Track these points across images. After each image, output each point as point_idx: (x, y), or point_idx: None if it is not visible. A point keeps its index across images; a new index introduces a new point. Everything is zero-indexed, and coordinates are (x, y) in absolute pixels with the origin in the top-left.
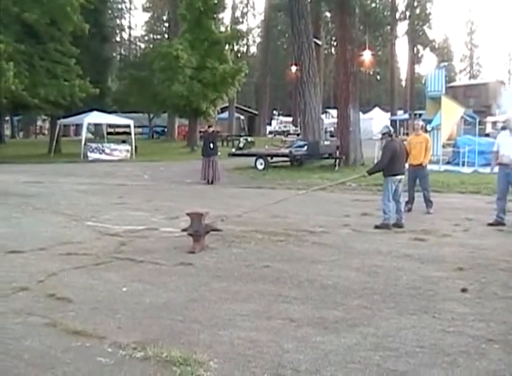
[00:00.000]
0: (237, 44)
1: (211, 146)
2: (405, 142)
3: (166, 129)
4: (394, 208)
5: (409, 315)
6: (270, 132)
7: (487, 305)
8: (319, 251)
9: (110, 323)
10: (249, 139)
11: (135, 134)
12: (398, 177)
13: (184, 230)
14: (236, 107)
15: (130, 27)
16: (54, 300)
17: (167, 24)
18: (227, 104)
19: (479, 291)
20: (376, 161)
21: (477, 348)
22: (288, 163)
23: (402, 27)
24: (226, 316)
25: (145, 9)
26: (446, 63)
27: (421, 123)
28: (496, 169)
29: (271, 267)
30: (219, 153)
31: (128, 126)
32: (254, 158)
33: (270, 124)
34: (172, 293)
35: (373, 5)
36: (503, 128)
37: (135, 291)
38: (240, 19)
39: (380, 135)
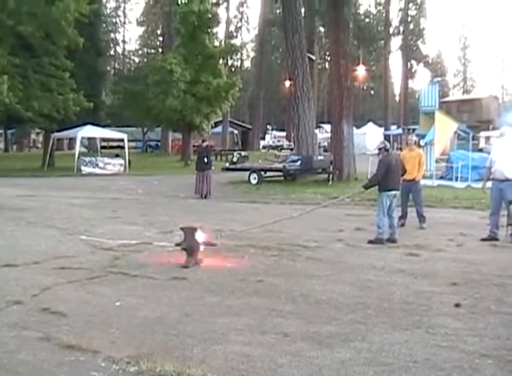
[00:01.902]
0: (231, 58)
1: (205, 160)
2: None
3: (159, 143)
4: (387, 223)
5: (402, 330)
6: (264, 147)
7: (480, 320)
8: (313, 265)
9: (104, 337)
10: (243, 153)
11: (128, 148)
12: (393, 192)
13: (178, 245)
14: (230, 122)
15: (124, 41)
16: (48, 314)
17: (161, 38)
18: (221, 118)
19: (473, 306)
20: (369, 176)
21: (471, 363)
22: (282, 177)
23: (396, 42)
24: (220, 330)
25: (139, 23)
26: (440, 78)
27: (415, 138)
28: (489, 184)
29: (264, 282)
30: (213, 168)
31: (122, 140)
32: (248, 173)
33: (264, 139)
34: (166, 307)
35: (367, 20)
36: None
37: (129, 305)
38: (234, 34)
39: (376, 150)
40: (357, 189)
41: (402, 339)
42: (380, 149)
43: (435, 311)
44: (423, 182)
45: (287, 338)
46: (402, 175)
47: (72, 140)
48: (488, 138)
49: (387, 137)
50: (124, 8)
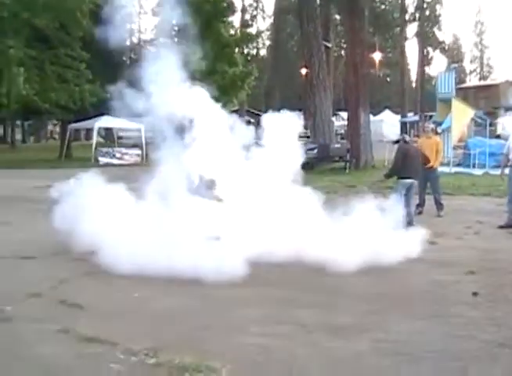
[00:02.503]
0: (247, 47)
1: None
2: (415, 145)
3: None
4: (404, 211)
5: (420, 319)
6: None
7: (498, 308)
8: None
9: (122, 329)
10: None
11: (146, 137)
12: (409, 180)
13: None
14: (247, 111)
15: (140, 31)
16: (66, 306)
17: (176, 28)
18: (237, 107)
19: (490, 295)
20: (386, 164)
21: (489, 352)
22: None
23: (412, 29)
24: (237, 321)
25: (154, 14)
26: (456, 65)
27: (431, 125)
28: (507, 171)
29: (281, 272)
30: None
31: (139, 130)
32: None
33: None
34: (183, 299)
35: (383, 7)
36: None
37: (147, 297)
38: (250, 22)
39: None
40: (376, 177)
41: (419, 329)
42: (395, 142)
43: (453, 300)
44: (440, 169)
45: (305, 328)
46: (425, 164)
47: (89, 131)
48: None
49: (403, 124)
50: None
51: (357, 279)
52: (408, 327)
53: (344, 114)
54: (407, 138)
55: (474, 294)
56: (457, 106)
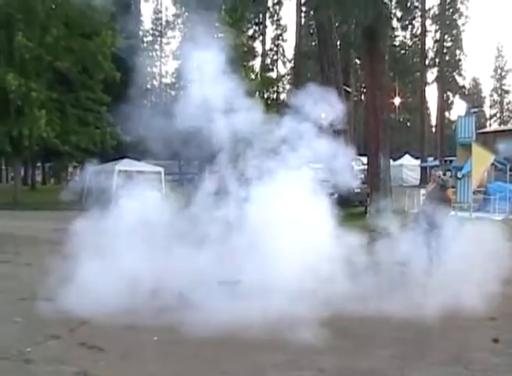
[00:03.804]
0: (267, 91)
1: None
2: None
3: (196, 176)
4: None
5: (440, 365)
6: None
7: None
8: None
9: (141, 372)
10: None
11: (165, 181)
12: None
13: None
14: None
15: (161, 75)
16: (85, 348)
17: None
18: None
19: (511, 341)
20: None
21: None
22: None
23: (432, 74)
24: (256, 366)
25: (175, 57)
26: (476, 109)
27: (438, 173)
28: None
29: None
30: None
31: (159, 173)
32: None
33: None
34: (202, 343)
35: (403, 51)
36: None
37: (166, 341)
38: (270, 67)
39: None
40: (396, 222)
41: (440, 375)
42: (441, 182)
43: (473, 346)
44: (460, 214)
45: (324, 373)
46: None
47: (109, 173)
48: None
49: (423, 169)
50: (161, 42)
51: (377, 324)
52: (428, 372)
53: (364, 159)
54: (448, 183)
55: (495, 340)
56: (477, 150)
